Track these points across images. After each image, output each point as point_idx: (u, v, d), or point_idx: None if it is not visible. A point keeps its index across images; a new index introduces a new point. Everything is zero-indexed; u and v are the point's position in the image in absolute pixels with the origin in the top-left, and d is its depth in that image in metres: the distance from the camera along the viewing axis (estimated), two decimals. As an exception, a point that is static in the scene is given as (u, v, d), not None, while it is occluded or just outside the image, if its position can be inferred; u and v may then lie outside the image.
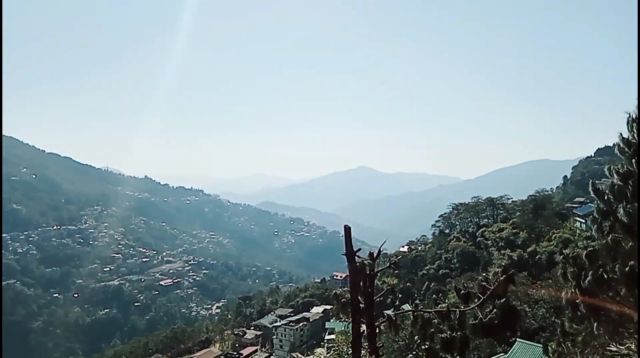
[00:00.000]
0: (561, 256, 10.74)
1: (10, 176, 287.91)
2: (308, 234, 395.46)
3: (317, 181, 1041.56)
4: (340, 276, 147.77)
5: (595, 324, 9.47)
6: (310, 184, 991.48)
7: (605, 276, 9.19)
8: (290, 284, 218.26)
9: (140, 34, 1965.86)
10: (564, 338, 10.40)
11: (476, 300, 12.01)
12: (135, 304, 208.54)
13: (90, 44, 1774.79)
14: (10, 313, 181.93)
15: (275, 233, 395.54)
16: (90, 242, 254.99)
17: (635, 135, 9.05)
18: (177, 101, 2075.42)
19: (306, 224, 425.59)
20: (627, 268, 8.68)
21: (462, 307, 12.19)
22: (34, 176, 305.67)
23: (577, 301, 9.94)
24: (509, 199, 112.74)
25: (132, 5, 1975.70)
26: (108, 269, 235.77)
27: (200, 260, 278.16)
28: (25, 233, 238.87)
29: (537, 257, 72.16)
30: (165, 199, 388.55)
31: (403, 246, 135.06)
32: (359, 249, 13.23)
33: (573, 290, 10.01)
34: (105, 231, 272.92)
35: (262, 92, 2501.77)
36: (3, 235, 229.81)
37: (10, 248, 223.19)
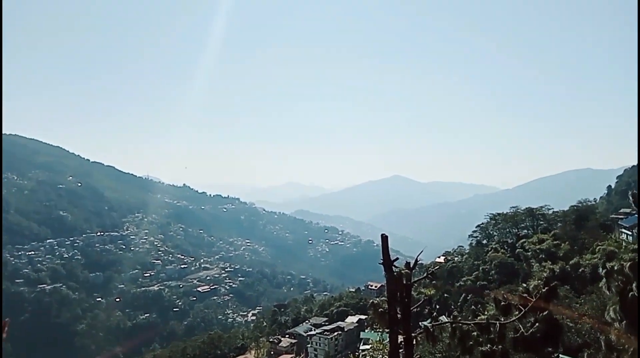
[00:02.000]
0: (603, 270, 10.51)
1: (57, 184, 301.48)
2: (342, 243, 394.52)
3: (351, 190, 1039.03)
4: (375, 286, 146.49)
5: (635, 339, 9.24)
6: (344, 193, 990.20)
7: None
8: (325, 293, 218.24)
9: (176, 42, 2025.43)
10: (609, 353, 10.16)
11: (517, 313, 11.84)
12: (174, 309, 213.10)
13: (127, 57, 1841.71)
14: (56, 316, 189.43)
15: (310, 242, 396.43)
16: (132, 248, 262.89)
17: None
18: (214, 109, 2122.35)
19: (340, 233, 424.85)
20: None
21: (502, 319, 12.04)
22: (79, 185, 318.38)
23: (622, 315, 9.71)
24: (549, 209, 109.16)
25: (168, 14, 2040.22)
26: (148, 275, 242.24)
27: (236, 267, 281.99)
28: (70, 238, 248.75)
29: (580, 270, 69.44)
30: (202, 207, 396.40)
31: (439, 257, 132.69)
32: (397, 258, 13.28)
33: (618, 304, 9.79)
34: (146, 237, 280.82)
35: (298, 102, 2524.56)
36: (51, 240, 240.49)
37: (57, 253, 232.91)
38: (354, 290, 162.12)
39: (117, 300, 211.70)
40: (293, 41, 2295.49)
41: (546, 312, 11.33)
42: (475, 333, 12.37)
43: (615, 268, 10.22)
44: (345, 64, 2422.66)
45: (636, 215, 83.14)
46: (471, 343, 12.29)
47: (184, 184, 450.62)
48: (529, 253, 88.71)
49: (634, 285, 9.54)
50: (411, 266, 13.88)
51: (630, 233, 75.45)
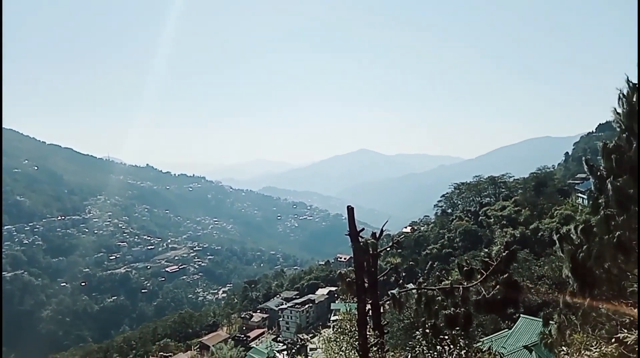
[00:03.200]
0: (557, 235, 10.95)
1: (12, 169, 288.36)
2: (311, 218, 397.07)
3: (318, 165, 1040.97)
4: (344, 258, 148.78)
5: (589, 299, 9.70)
6: (311, 168, 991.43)
7: (595, 250, 9.43)
8: (295, 267, 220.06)
9: (135, 20, 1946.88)
10: (565, 311, 10.61)
11: (479, 277, 12.21)
12: (142, 291, 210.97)
13: (86, 36, 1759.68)
14: (19, 303, 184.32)
15: (279, 218, 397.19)
16: (95, 231, 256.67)
17: (625, 110, 9.16)
18: (175, 88, 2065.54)
19: (309, 208, 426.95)
20: (614, 240, 8.89)
21: (465, 284, 12.40)
22: (36, 168, 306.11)
23: (575, 276, 10.15)
24: (510, 177, 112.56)
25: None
26: (114, 257, 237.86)
27: (205, 246, 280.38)
28: (30, 224, 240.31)
29: (539, 234, 72.49)
30: (167, 187, 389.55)
31: (406, 227, 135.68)
32: (362, 229, 13.42)
33: (570, 266, 10.21)
34: (109, 220, 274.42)
35: (261, 76, 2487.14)
36: (9, 226, 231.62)
37: (17, 240, 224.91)
38: (323, 263, 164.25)
39: (83, 284, 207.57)
40: (258, 9, 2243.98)
41: (506, 275, 11.72)
42: (439, 298, 12.72)
43: (568, 231, 10.63)
44: (309, 37, 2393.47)
45: (591, 180, 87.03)
46: (436, 307, 12.65)
47: (146, 164, 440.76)
48: (492, 220, 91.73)
49: (583, 247, 9.96)
50: (377, 236, 14.07)
51: (585, 196, 78.88)
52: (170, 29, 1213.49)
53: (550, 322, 11.73)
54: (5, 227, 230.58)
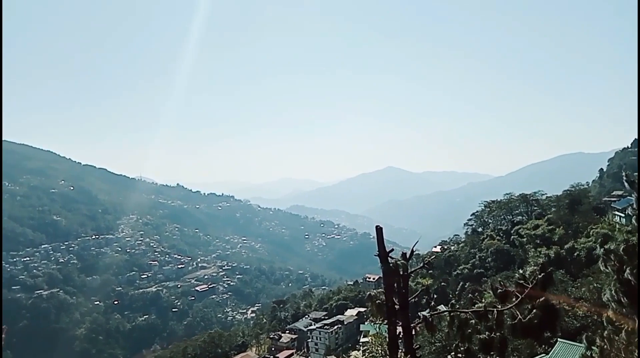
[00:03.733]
0: (601, 250, 10.55)
1: (49, 189, 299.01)
2: (339, 236, 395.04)
3: (345, 183, 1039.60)
4: (373, 278, 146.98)
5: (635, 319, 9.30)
6: (338, 187, 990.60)
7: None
8: (323, 287, 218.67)
9: (163, 43, 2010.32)
10: (608, 333, 10.20)
11: (514, 300, 11.86)
12: (173, 310, 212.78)
13: (118, 60, 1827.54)
14: (55, 321, 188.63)
15: (306, 237, 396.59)
16: (128, 250, 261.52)
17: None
18: (205, 108, 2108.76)
19: (336, 226, 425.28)
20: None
21: (499, 307, 12.06)
22: (72, 188, 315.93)
23: (620, 296, 9.77)
24: (543, 195, 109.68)
25: (153, 17, 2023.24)
26: (145, 276, 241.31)
27: (233, 265, 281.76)
28: (65, 243, 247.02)
29: (575, 254, 69.98)
30: (197, 206, 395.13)
31: (435, 246, 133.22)
32: (392, 250, 13.27)
33: (615, 285, 9.85)
34: (142, 239, 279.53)
35: (288, 96, 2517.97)
36: (46, 245, 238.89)
37: (53, 258, 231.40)
38: (352, 283, 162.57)
39: (115, 302, 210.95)
40: (285, 34, 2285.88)
41: (542, 298, 11.36)
42: (473, 321, 12.39)
43: (612, 249, 10.28)
44: (337, 59, 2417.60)
45: (628, 197, 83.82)
46: (469, 331, 12.32)
47: (177, 183, 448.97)
48: (524, 239, 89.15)
49: (628, 266, 9.59)
50: (407, 256, 13.87)
51: (623, 214, 75.96)
52: (198, 48, 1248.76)
53: (593, 347, 11.28)
54: (42, 246, 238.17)
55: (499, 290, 12.44)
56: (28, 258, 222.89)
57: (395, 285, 13.30)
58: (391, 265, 13.01)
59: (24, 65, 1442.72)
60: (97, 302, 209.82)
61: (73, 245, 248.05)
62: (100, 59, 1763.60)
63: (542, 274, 11.69)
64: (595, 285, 38.99)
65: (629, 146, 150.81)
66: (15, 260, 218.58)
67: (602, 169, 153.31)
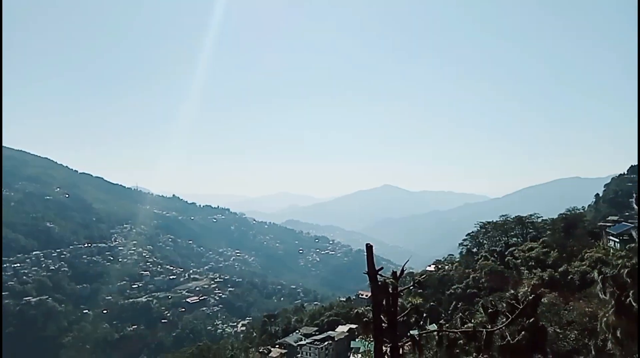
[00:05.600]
0: (599, 276, 10.38)
1: (44, 196, 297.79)
2: (333, 252, 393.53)
3: (341, 199, 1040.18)
4: (366, 295, 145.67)
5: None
6: (334, 203, 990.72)
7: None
8: (315, 303, 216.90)
9: (162, 54, 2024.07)
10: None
11: (504, 320, 11.70)
12: (162, 321, 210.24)
13: (118, 70, 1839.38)
14: (42, 329, 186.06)
15: (300, 252, 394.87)
16: (120, 259, 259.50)
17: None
18: (203, 121, 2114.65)
19: (331, 242, 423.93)
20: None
21: (489, 327, 11.88)
22: (67, 196, 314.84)
23: (617, 322, 9.60)
24: (538, 218, 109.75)
25: (155, 31, 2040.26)
26: (136, 286, 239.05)
27: (226, 277, 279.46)
28: (57, 250, 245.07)
29: (569, 277, 69.80)
30: (192, 218, 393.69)
31: (429, 266, 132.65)
32: (381, 268, 13.09)
33: (612, 310, 9.68)
34: (134, 248, 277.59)
35: (285, 112, 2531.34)
36: (37, 252, 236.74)
37: (44, 265, 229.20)
38: (344, 299, 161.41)
39: (105, 311, 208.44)
40: (282, 53, 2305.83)
41: (532, 319, 11.20)
42: (461, 341, 12.19)
43: (612, 273, 10.13)
44: (335, 75, 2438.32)
45: (624, 223, 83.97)
46: (458, 351, 12.12)
47: (173, 195, 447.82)
48: (519, 261, 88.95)
49: (631, 291, 9.45)
50: (398, 275, 13.71)
51: (617, 240, 76.06)
52: (200, 61, 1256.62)
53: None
54: (34, 252, 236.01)
55: (490, 310, 12.29)
56: (18, 265, 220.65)
57: (384, 303, 13.11)
58: (380, 283, 12.84)
59: (23, 70, 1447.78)
60: (86, 311, 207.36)
61: (65, 253, 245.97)
62: (100, 66, 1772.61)
63: (533, 295, 11.56)
64: (588, 309, 38.76)
65: (625, 172, 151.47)
66: (5, 265, 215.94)
67: (597, 194, 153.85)
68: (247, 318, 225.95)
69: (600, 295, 10.54)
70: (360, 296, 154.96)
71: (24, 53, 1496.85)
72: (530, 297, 11.90)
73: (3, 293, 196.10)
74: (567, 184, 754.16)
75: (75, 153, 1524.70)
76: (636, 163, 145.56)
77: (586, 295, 45.36)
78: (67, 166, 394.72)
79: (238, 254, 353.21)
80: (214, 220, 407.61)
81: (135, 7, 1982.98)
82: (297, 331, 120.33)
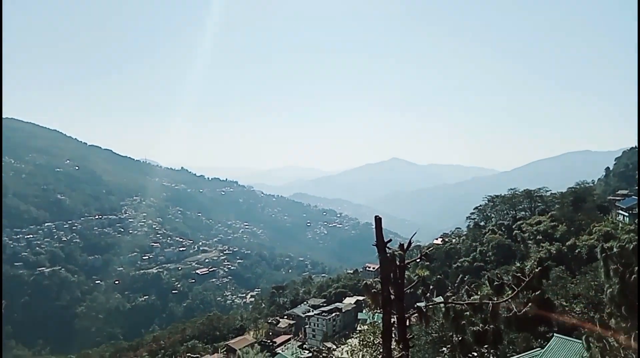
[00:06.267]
0: (602, 254, 10.23)
1: (54, 168, 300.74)
2: (340, 225, 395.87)
3: (349, 172, 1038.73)
4: (373, 268, 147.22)
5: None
6: (342, 176, 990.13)
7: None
8: (323, 275, 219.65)
9: (171, 25, 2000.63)
10: (604, 332, 10.07)
11: (510, 292, 11.76)
12: (173, 292, 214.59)
13: (125, 41, 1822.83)
14: (56, 298, 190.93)
15: (308, 224, 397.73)
16: (130, 231, 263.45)
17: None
18: (212, 93, 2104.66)
19: (338, 215, 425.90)
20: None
21: (495, 299, 11.96)
22: (77, 168, 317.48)
23: (621, 298, 9.57)
24: (547, 191, 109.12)
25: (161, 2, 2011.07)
26: (147, 257, 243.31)
27: (235, 249, 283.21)
28: (69, 222, 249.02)
29: (576, 251, 69.84)
30: (201, 191, 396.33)
31: (437, 239, 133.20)
32: (390, 240, 13.14)
33: (616, 287, 9.62)
34: (144, 221, 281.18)
35: (294, 84, 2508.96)
36: (49, 223, 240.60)
37: (56, 236, 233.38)
38: (352, 271, 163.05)
39: (116, 282, 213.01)
40: (293, 23, 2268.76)
41: (538, 292, 11.24)
42: (468, 313, 12.29)
43: (615, 249, 10.01)
44: (344, 48, 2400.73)
45: (634, 196, 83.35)
46: (464, 323, 12.23)
47: (182, 167, 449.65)
48: (526, 235, 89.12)
49: (635, 268, 9.35)
50: (405, 247, 13.77)
51: (627, 214, 75.74)
52: (208, 35, 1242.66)
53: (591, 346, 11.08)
54: (46, 224, 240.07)
55: (495, 283, 12.34)
56: (31, 236, 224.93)
57: (391, 275, 13.22)
58: (388, 255, 12.92)
59: (31, 41, 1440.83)
60: (98, 281, 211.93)
61: (76, 224, 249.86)
62: (109, 38, 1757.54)
63: (539, 268, 11.57)
64: (594, 283, 38.90)
65: (637, 145, 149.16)
66: (18, 236, 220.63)
67: (608, 168, 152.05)
68: (256, 289, 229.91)
69: (601, 272, 10.41)
70: (367, 268, 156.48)
71: (31, 24, 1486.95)
72: (537, 270, 11.90)
73: (17, 263, 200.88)
74: (578, 157, 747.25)
75: (84, 125, 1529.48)
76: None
77: (592, 269, 45.45)
78: (76, 139, 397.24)
79: (246, 226, 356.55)
80: (223, 193, 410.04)
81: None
82: (305, 302, 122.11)
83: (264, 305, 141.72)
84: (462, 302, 12.76)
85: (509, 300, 11.53)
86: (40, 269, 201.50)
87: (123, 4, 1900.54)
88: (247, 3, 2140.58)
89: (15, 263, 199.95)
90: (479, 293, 15.41)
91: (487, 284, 15.04)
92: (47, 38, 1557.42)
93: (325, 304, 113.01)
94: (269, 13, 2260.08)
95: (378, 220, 13.27)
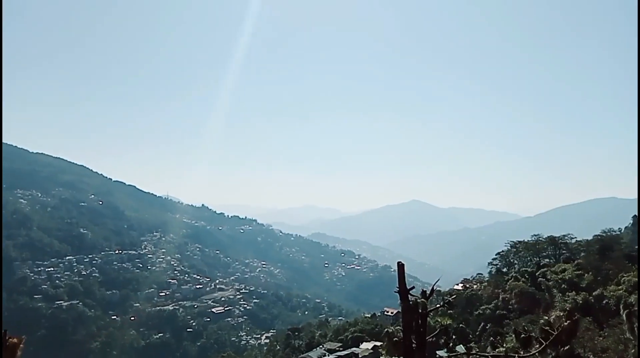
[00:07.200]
0: (624, 310, 9.86)
1: (79, 202, 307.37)
2: (359, 267, 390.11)
3: (369, 214, 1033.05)
4: (391, 312, 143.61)
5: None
6: (362, 217, 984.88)
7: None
8: (340, 318, 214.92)
9: (196, 65, 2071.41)
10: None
11: (537, 346, 11.39)
12: (188, 330, 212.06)
13: (157, 84, 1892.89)
14: (72, 333, 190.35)
15: (326, 265, 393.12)
16: (149, 267, 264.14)
17: None
18: (233, 134, 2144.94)
19: (357, 257, 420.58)
20: None
21: (521, 353, 11.59)
22: (101, 203, 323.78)
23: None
24: (572, 238, 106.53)
25: (185, 43, 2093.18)
26: (164, 294, 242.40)
27: (251, 288, 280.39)
28: (89, 256, 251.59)
29: (604, 302, 67.35)
30: (220, 228, 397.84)
31: (457, 284, 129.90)
32: (413, 287, 12.96)
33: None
34: (163, 256, 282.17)
35: (316, 126, 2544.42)
36: (70, 257, 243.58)
37: (76, 270, 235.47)
38: (369, 315, 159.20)
39: (132, 318, 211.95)
40: (308, 64, 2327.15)
41: (567, 347, 10.87)
42: (493, 366, 11.90)
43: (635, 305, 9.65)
44: (362, 86, 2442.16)
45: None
46: (489, 376, 11.82)
47: (202, 204, 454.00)
48: (551, 283, 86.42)
49: None
50: (428, 294, 13.57)
51: (656, 265, 72.93)
52: (232, 75, 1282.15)
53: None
54: (67, 257, 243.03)
55: (522, 335, 11.98)
56: (52, 269, 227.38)
57: (413, 323, 12.97)
58: (410, 303, 12.72)
59: (66, 82, 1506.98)
60: (115, 317, 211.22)
61: (96, 259, 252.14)
62: (134, 79, 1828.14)
63: (569, 321, 11.22)
64: (623, 336, 37.26)
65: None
66: (39, 269, 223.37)
67: (635, 215, 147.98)
68: (271, 330, 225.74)
69: (626, 330, 9.99)
70: (385, 312, 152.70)
71: (56, 61, 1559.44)
72: (565, 323, 11.54)
73: (37, 296, 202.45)
74: (604, 204, 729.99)
75: (111, 160, 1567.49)
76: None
77: (621, 321, 43.55)
78: (101, 174, 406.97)
79: (264, 265, 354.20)
80: (242, 231, 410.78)
81: (170, 20, 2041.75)
82: (321, 346, 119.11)
83: (278, 347, 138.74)
84: (486, 354, 12.39)
85: (537, 353, 11.16)
86: (58, 302, 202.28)
87: (153, 45, 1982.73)
88: (267, 48, 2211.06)
89: (35, 296, 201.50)
90: (503, 344, 14.94)
91: (512, 334, 14.62)
92: (74, 73, 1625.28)
93: (341, 348, 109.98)
94: (288, 56, 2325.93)
95: (401, 266, 13.16)
